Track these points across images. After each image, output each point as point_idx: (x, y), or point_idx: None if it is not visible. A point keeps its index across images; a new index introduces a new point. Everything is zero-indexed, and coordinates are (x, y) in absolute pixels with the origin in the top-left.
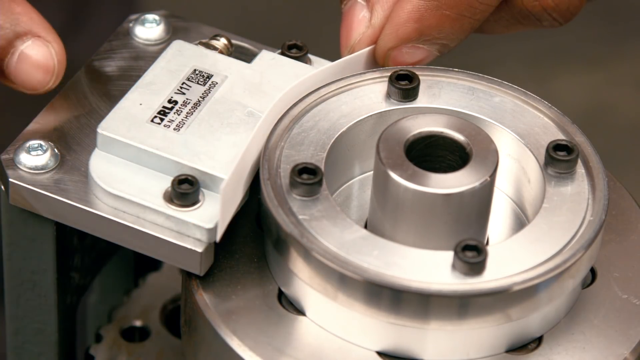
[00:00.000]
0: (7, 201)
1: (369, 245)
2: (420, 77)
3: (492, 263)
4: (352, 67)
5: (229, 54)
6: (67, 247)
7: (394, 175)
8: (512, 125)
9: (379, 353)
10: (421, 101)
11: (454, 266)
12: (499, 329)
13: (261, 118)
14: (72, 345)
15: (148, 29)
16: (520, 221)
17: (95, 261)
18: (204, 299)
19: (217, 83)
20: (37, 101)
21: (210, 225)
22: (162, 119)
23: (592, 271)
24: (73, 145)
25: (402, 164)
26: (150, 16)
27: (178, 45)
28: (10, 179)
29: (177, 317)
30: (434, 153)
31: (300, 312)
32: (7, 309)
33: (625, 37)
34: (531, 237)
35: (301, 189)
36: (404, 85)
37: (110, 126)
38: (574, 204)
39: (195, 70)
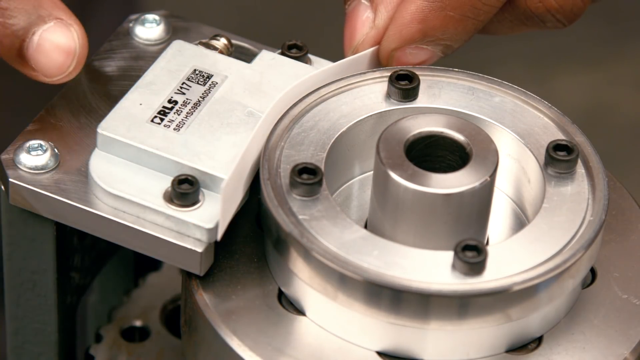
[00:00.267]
0: (7, 201)
1: (369, 245)
2: (420, 77)
3: (492, 263)
4: (355, 67)
5: (229, 54)
6: (67, 247)
7: (394, 175)
8: (512, 125)
9: (379, 353)
10: (421, 101)
11: (454, 266)
12: (499, 329)
13: (261, 118)
14: (72, 345)
15: (148, 29)
16: (520, 221)
17: (95, 261)
18: (204, 299)
19: (217, 83)
20: (37, 101)
21: (210, 225)
22: (162, 119)
23: (592, 271)
24: (73, 145)
25: (402, 164)
26: (150, 16)
27: (178, 45)
28: (10, 179)
29: (177, 317)
30: (434, 153)
31: (300, 312)
32: (7, 309)
33: (625, 37)
34: (531, 237)
35: (301, 189)
36: (404, 85)
37: (110, 126)
38: (574, 204)
39: (195, 70)
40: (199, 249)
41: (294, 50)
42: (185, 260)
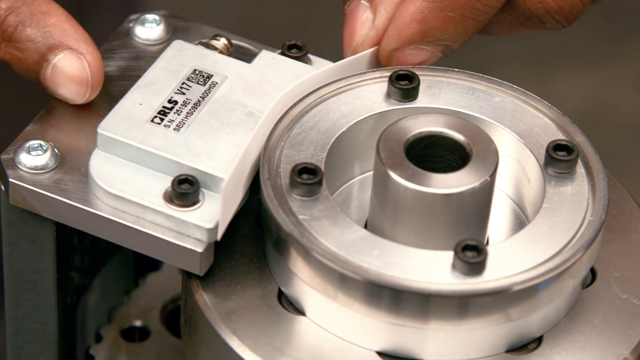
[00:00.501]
0: (7, 201)
1: (369, 245)
2: (420, 77)
3: (492, 263)
4: (355, 67)
5: (229, 54)
6: (67, 247)
7: (394, 175)
8: (512, 125)
9: (379, 353)
10: (421, 101)
11: (454, 266)
12: (499, 329)
13: (261, 118)
14: (72, 345)
15: (148, 29)
16: (520, 221)
17: (95, 261)
18: (204, 299)
19: (217, 83)
20: (37, 101)
21: (210, 225)
22: (162, 119)
23: (592, 271)
24: (73, 145)
25: (402, 164)
26: (150, 16)
27: (178, 45)
28: (10, 179)
29: (177, 317)
30: (434, 153)
31: (300, 312)
32: (7, 309)
33: (625, 37)
34: (531, 237)
35: (301, 189)
36: (404, 85)
37: (110, 126)
38: (574, 204)
39: (195, 70)
40: (199, 249)
41: (294, 50)
42: (185, 260)
